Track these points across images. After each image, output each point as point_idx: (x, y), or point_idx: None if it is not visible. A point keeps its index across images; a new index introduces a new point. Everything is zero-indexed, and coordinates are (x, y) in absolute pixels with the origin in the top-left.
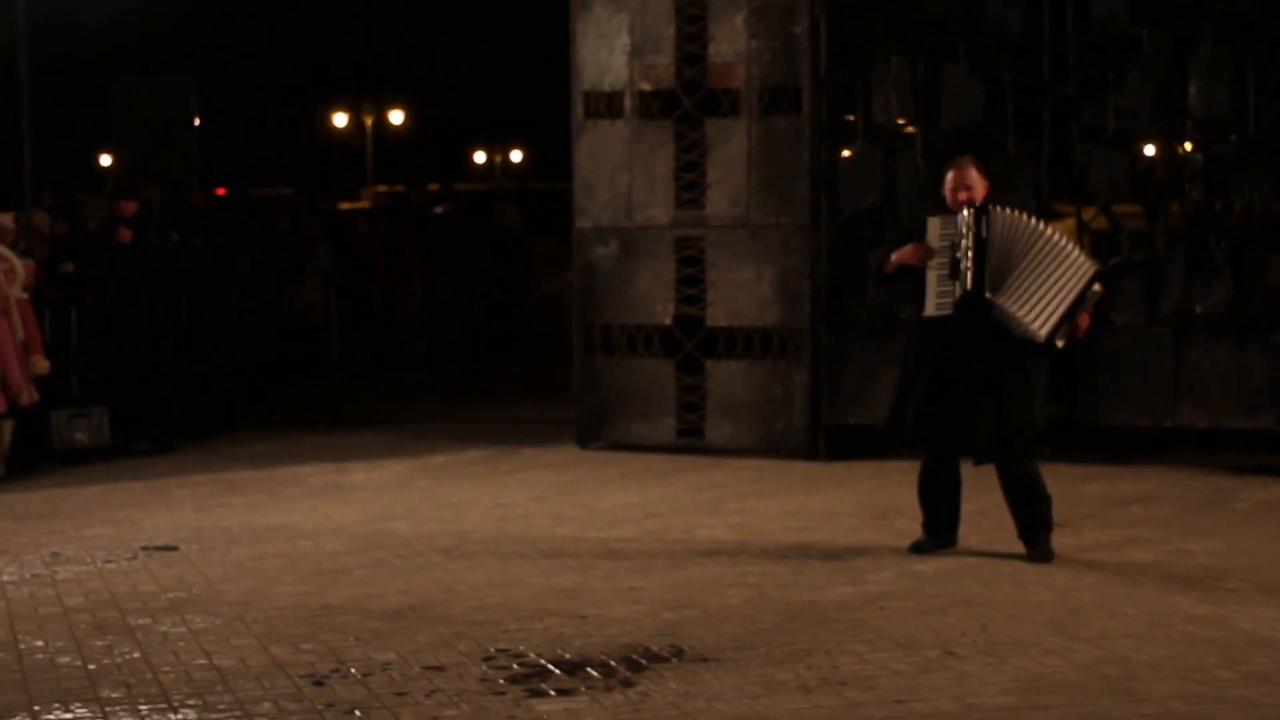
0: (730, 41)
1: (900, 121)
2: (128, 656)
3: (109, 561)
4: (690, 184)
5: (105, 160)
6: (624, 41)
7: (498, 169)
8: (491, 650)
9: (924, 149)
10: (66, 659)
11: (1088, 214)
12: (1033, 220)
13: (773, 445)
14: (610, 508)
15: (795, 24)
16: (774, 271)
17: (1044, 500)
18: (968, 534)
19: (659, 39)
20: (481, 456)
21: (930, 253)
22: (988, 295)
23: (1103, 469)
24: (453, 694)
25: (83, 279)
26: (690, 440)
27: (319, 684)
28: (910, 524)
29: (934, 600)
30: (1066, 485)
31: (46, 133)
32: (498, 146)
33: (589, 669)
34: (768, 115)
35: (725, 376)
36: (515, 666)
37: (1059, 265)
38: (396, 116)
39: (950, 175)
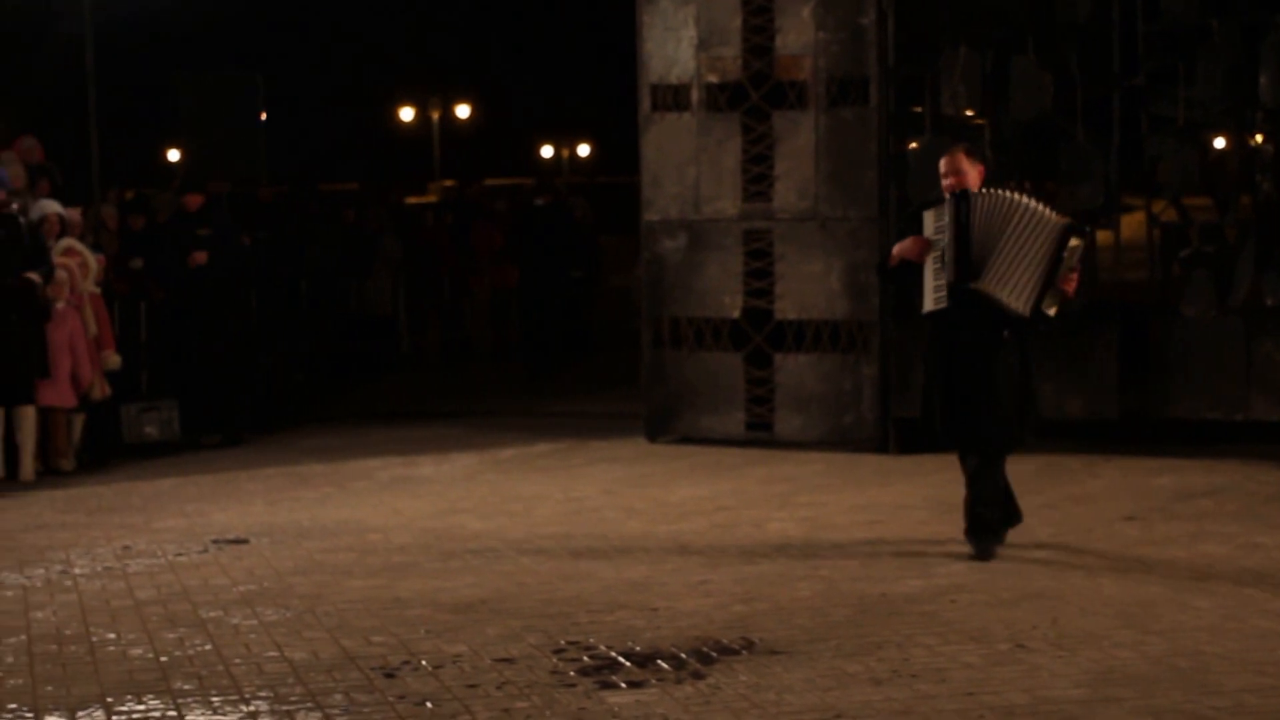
0: (797, 33)
1: (968, 113)
2: (199, 648)
3: (180, 554)
4: (758, 176)
5: (173, 155)
6: (691, 34)
7: (565, 163)
8: (562, 643)
9: (993, 140)
10: (139, 651)
11: (1157, 206)
12: (1014, 196)
13: (842, 438)
14: (680, 501)
15: (862, 15)
16: (842, 264)
17: (998, 503)
18: (1036, 527)
19: (726, 31)
20: (550, 450)
21: (928, 246)
22: (971, 285)
23: (1173, 462)
24: (523, 686)
25: (151, 273)
26: (759, 433)
27: (390, 676)
28: None
29: (1005, 593)
30: (1136, 478)
31: (114, 128)
32: (565, 140)
33: (659, 661)
34: (835, 107)
35: (794, 369)
36: (586, 659)
37: (1034, 235)
38: (463, 111)
39: (942, 163)
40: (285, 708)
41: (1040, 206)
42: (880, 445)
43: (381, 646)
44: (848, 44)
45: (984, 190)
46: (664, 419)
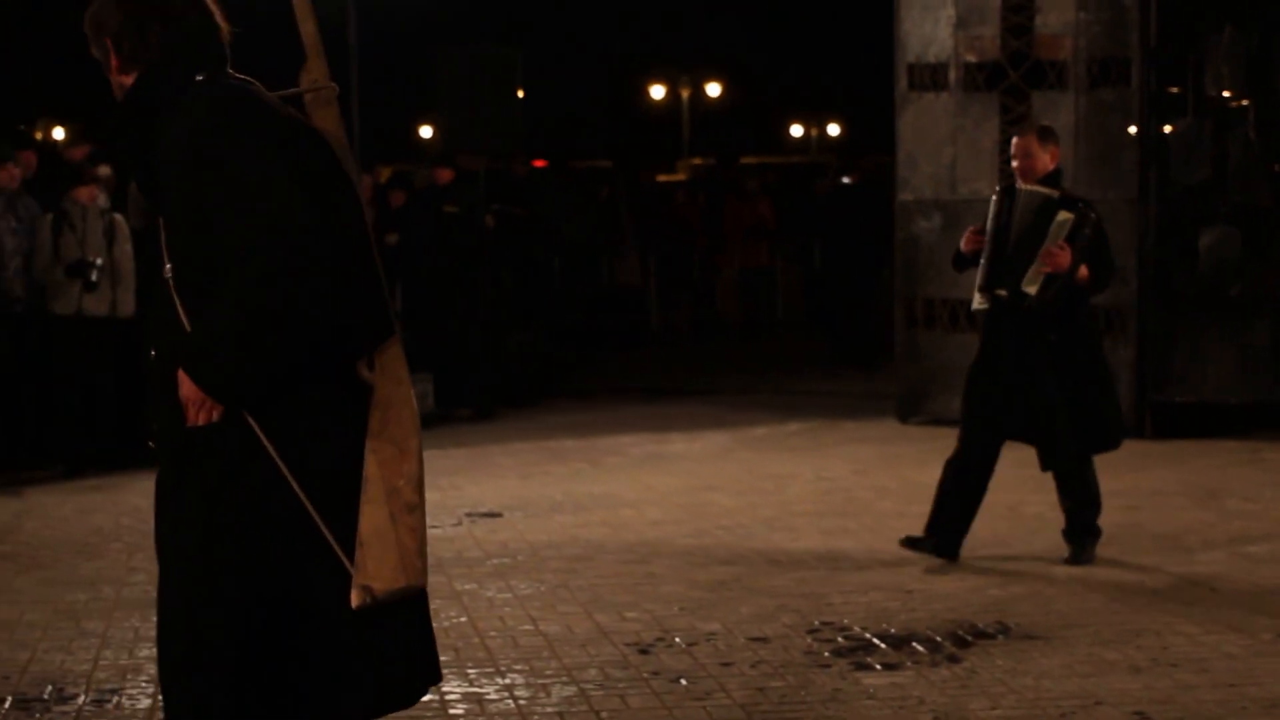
0: (1058, 13)
1: (1230, 94)
2: (455, 621)
3: (435, 527)
4: None
5: (426, 132)
6: (949, 13)
7: (814, 142)
8: (816, 623)
9: (1257, 122)
10: None
11: None
12: (1047, 190)
13: None
14: (932, 482)
15: None
16: None
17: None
18: None
19: (984, 10)
20: (802, 429)
21: (980, 241)
22: (998, 292)
23: None
24: (778, 665)
25: (403, 246)
26: None
27: (644, 652)
28: (1240, 504)
29: (1267, 582)
30: None
31: (370, 104)
32: (815, 119)
33: (915, 644)
34: (1096, 88)
35: None
36: (840, 640)
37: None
38: (713, 89)
39: (1012, 143)
40: (541, 681)
41: (1053, 193)
42: (1137, 429)
43: (635, 622)
44: (1109, 24)
45: (1034, 187)
46: (916, 400)
